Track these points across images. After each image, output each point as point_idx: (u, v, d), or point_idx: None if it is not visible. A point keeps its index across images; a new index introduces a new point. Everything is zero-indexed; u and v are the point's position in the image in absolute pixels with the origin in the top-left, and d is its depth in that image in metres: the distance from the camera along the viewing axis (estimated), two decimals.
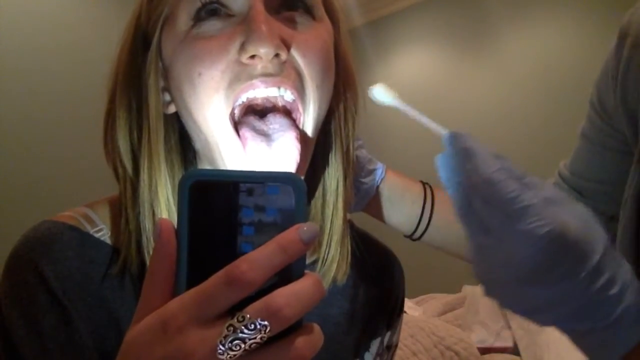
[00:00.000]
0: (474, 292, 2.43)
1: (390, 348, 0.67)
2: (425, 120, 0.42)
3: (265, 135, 0.47)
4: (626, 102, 0.63)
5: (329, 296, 0.59)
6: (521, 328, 2.06)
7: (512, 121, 3.22)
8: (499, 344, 2.17)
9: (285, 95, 0.48)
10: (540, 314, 0.37)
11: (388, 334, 0.65)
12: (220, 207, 0.30)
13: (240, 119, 0.48)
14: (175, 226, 0.31)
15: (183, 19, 0.48)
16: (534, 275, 0.35)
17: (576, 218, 0.35)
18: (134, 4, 0.53)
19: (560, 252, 0.34)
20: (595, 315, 0.35)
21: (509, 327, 2.16)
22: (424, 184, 0.72)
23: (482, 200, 0.37)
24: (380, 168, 0.69)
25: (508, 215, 0.35)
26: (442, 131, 0.41)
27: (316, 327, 0.31)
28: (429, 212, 0.69)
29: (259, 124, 0.47)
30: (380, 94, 0.45)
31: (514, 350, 2.07)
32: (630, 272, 0.36)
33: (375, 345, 0.63)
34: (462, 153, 0.39)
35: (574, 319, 0.36)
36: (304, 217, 0.31)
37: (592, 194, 0.70)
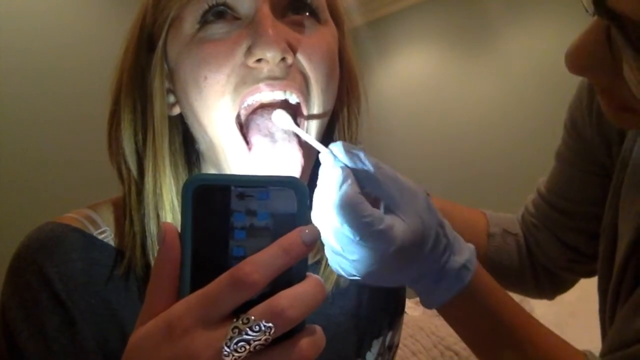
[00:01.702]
0: None
1: (392, 348, 0.67)
2: (312, 141, 0.48)
3: (270, 136, 0.47)
4: (602, 132, 0.64)
5: (331, 297, 0.59)
6: None
7: (513, 120, 3.23)
8: None
9: (290, 98, 0.48)
10: (393, 283, 0.48)
11: (389, 334, 0.65)
12: (224, 211, 0.31)
13: (247, 117, 0.48)
14: (179, 230, 0.31)
15: (189, 22, 0.48)
16: (394, 269, 0.45)
17: (415, 217, 0.44)
18: (136, 4, 0.53)
19: (403, 254, 0.43)
20: (430, 276, 0.47)
21: None
22: None
23: (342, 219, 0.43)
24: None
25: (362, 235, 0.42)
26: (324, 149, 0.47)
27: (319, 329, 0.31)
28: None
29: (263, 120, 0.48)
30: (280, 118, 0.48)
31: None
32: (460, 246, 0.48)
33: (377, 345, 0.63)
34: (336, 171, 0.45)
35: (415, 280, 0.48)
36: (306, 220, 0.31)
37: (572, 214, 0.70)
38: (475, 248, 0.50)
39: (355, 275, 0.45)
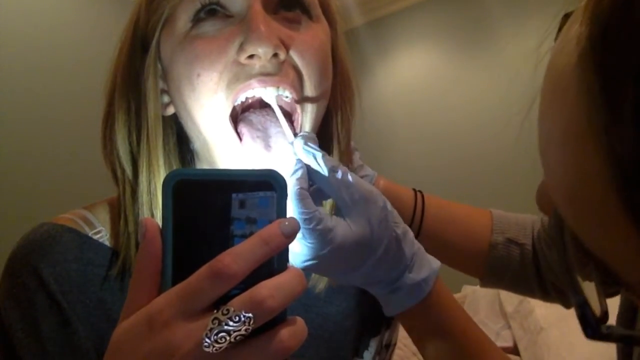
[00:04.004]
0: (474, 292, 2.44)
1: (389, 347, 0.67)
2: (285, 127, 0.48)
3: (263, 131, 0.48)
4: None
5: (329, 295, 0.59)
6: (521, 328, 2.06)
7: (513, 120, 3.22)
8: (498, 344, 2.17)
9: (283, 95, 0.48)
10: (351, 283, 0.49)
11: (387, 332, 0.65)
12: (203, 205, 0.31)
13: (241, 115, 0.49)
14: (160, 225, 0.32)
15: (182, 20, 0.48)
16: (332, 269, 0.46)
17: (364, 225, 0.44)
18: (132, 4, 0.53)
19: (343, 258, 0.44)
20: (383, 286, 0.48)
21: (509, 327, 2.16)
22: (415, 192, 0.71)
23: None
24: (370, 176, 0.69)
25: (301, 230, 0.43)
26: (290, 138, 0.48)
27: (299, 320, 0.32)
28: (419, 221, 0.69)
29: (257, 117, 0.48)
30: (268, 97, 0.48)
31: (514, 350, 2.07)
32: (420, 263, 0.48)
33: (374, 344, 0.63)
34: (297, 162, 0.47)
35: (371, 286, 0.49)
36: (285, 212, 0.32)
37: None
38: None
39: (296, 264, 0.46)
